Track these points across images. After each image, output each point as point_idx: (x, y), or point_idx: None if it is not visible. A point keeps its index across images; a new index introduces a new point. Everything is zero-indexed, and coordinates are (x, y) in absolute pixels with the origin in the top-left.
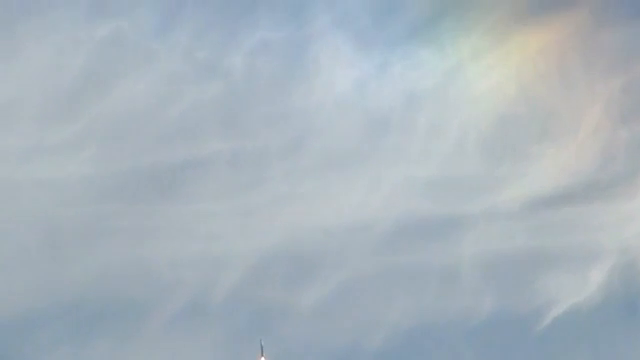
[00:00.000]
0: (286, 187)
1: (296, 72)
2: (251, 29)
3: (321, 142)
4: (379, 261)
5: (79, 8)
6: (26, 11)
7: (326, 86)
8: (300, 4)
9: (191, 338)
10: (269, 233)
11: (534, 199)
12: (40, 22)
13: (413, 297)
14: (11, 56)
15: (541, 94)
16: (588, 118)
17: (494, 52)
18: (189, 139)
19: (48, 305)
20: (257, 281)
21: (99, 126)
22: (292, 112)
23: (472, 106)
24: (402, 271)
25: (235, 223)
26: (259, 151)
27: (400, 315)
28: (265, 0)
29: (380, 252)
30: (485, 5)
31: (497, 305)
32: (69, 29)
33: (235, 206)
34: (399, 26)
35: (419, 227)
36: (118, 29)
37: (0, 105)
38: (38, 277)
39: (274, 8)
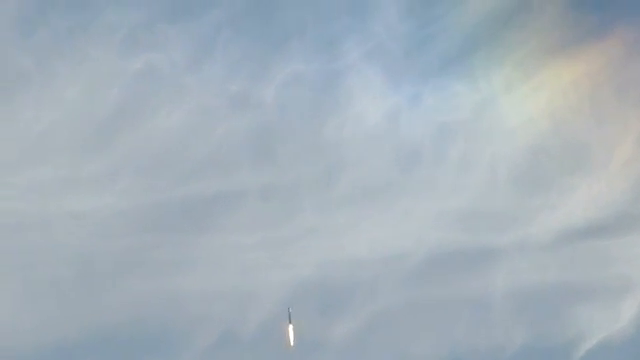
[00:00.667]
0: (318, 219)
1: (328, 104)
2: (283, 62)
3: (353, 174)
4: (411, 293)
5: (114, 42)
6: (62, 44)
7: (358, 118)
8: (332, 37)
9: None
10: (301, 265)
11: (566, 231)
12: (76, 55)
13: (445, 329)
14: (47, 88)
15: (573, 126)
16: (620, 151)
17: (526, 85)
18: (222, 171)
19: (82, 336)
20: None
21: (133, 159)
22: (324, 144)
23: (504, 138)
24: (434, 303)
25: (267, 255)
26: (291, 183)
27: (432, 347)
28: (297, 33)
29: (412, 284)
30: (517, 38)
31: (529, 338)
32: (104, 62)
33: (267, 238)
34: (431, 58)
35: (451, 259)
36: (151, 63)
37: (36, 137)
38: (72, 308)
39: (306, 41)
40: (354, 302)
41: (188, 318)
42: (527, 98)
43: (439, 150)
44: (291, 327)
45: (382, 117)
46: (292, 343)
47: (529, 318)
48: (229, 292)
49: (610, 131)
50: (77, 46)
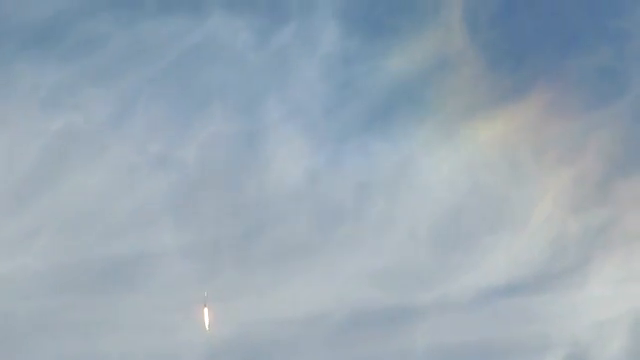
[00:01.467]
0: (239, 278)
1: (249, 165)
2: (204, 122)
3: (274, 234)
4: (332, 353)
5: (34, 102)
6: None
7: (278, 178)
8: (252, 97)
9: None
10: (223, 324)
11: (486, 290)
12: None
13: None
14: None
15: (492, 186)
16: (539, 209)
17: (445, 144)
18: (142, 231)
19: None
20: None
21: (52, 219)
22: (245, 204)
23: (424, 197)
24: None
25: (188, 315)
26: (213, 242)
27: None
28: (218, 94)
29: (333, 343)
30: (436, 98)
31: None
32: (23, 122)
33: (189, 298)
34: (350, 118)
35: (372, 318)
36: (71, 122)
37: None
38: None
39: (226, 101)
40: None
41: None
42: (447, 157)
43: (359, 209)
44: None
45: (302, 176)
46: None
47: None
48: (149, 354)
49: (529, 190)
50: None
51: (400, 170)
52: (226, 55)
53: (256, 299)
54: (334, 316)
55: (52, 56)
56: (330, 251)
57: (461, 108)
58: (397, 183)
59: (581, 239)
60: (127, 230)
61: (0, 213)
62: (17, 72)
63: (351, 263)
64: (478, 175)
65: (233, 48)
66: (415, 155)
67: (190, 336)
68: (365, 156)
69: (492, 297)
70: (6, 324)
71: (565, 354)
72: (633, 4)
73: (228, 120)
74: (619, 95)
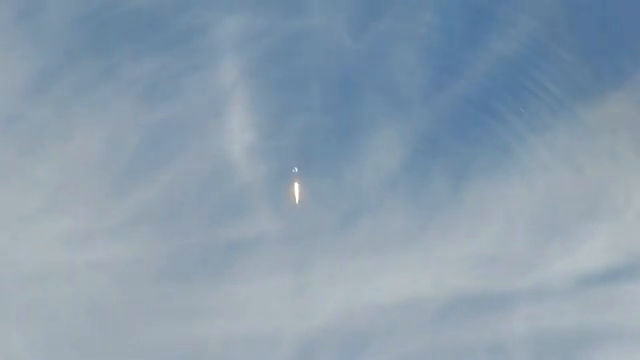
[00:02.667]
0: (336, 266)
1: (345, 152)
2: (301, 111)
3: (371, 221)
4: (430, 339)
5: (134, 92)
6: (83, 95)
7: (374, 165)
8: (349, 87)
9: None
10: (319, 312)
11: (584, 276)
12: (94, 102)
13: None
14: (64, 136)
15: (591, 172)
16: (638, 195)
17: (545, 130)
18: (240, 219)
19: None
20: None
21: (152, 207)
22: (342, 191)
23: (521, 183)
24: (453, 349)
25: (285, 302)
26: (310, 229)
27: None
28: (316, 83)
29: (431, 330)
30: (539, 86)
31: None
32: (123, 112)
33: (285, 285)
34: (447, 105)
35: (469, 304)
36: (171, 112)
37: (52, 187)
38: (93, 359)
39: (325, 90)
40: (373, 348)
41: None
42: (545, 144)
43: (456, 196)
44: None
45: (398, 164)
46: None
47: None
48: (249, 340)
49: (628, 177)
50: (98, 97)
51: (498, 156)
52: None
53: (353, 286)
54: (431, 303)
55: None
56: (427, 238)
57: (561, 94)
58: (494, 169)
59: None
60: (225, 218)
61: (102, 201)
62: (117, 62)
63: (447, 250)
64: (576, 161)
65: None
66: (513, 142)
67: (287, 323)
68: (462, 142)
69: (590, 284)
70: (107, 311)
71: None
72: None
73: (325, 109)
74: None
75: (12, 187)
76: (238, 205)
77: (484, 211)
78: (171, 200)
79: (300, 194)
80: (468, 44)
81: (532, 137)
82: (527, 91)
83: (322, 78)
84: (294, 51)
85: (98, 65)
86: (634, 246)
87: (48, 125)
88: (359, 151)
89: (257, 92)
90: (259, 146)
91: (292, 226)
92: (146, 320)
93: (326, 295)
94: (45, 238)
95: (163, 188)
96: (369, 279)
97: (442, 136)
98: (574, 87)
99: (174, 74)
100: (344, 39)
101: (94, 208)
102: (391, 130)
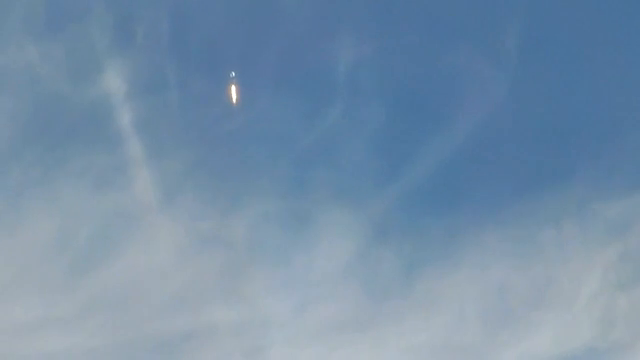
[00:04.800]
0: (289, 354)
1: (297, 242)
2: (253, 199)
3: (322, 309)
4: None
5: (86, 180)
6: (32, 182)
7: (327, 255)
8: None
9: None
10: None
11: None
12: (46, 193)
13: None
14: (16, 227)
15: (538, 262)
16: (586, 285)
17: (490, 220)
18: (192, 308)
19: None
20: None
21: (104, 296)
22: (293, 281)
23: (470, 273)
24: None
25: None
26: (262, 319)
27: None
28: (267, 171)
29: None
30: (484, 179)
31: None
32: (75, 201)
33: None
34: (399, 190)
35: None
36: (121, 201)
37: (6, 277)
38: None
39: (276, 179)
40: None
41: None
42: (492, 234)
43: (406, 285)
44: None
45: (352, 253)
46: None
47: None
48: None
49: (575, 266)
50: (47, 184)
51: (448, 246)
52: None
53: None
54: None
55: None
56: (378, 327)
57: (506, 186)
58: (445, 259)
59: (629, 316)
60: (178, 307)
61: (53, 291)
62: (70, 153)
63: (399, 338)
64: (523, 252)
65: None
66: (460, 233)
67: None
68: (412, 233)
69: None
70: None
71: None
72: None
73: (278, 198)
74: None
75: None
76: (191, 295)
77: (435, 300)
78: (124, 289)
79: (254, 283)
80: (416, 138)
81: (480, 228)
82: (472, 184)
83: (274, 167)
84: (246, 141)
85: (51, 155)
86: (582, 335)
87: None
88: (311, 240)
89: (209, 180)
90: (211, 235)
91: (246, 315)
92: None
93: None
94: None
95: (115, 278)
96: None
97: (393, 226)
98: (519, 180)
99: (122, 166)
100: (296, 130)
101: (46, 298)
102: (342, 220)
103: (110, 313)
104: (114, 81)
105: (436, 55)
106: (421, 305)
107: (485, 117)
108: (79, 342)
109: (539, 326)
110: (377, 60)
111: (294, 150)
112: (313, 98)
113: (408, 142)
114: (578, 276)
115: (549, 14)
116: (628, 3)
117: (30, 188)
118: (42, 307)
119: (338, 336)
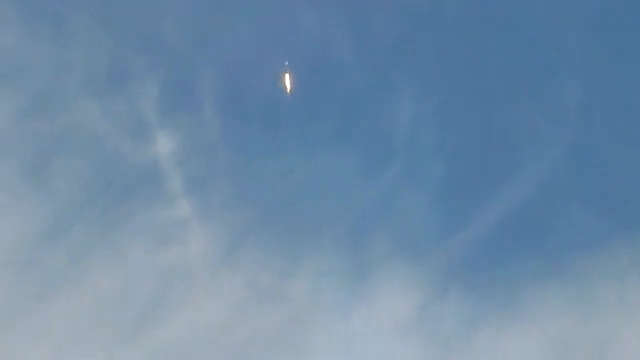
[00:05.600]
0: None
1: (357, 296)
2: (313, 254)
3: None
4: None
5: (147, 238)
6: (97, 240)
7: (387, 310)
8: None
9: None
10: None
11: None
12: (110, 249)
13: None
14: (79, 283)
15: (601, 319)
16: None
17: (549, 278)
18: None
19: None
20: None
21: (166, 351)
22: (354, 336)
23: (532, 330)
24: None
25: None
26: None
27: None
28: (326, 226)
29: None
30: (545, 234)
31: None
32: (137, 257)
33: None
34: (458, 251)
35: None
36: (183, 257)
37: (71, 331)
38: None
39: (335, 234)
40: None
41: None
42: (554, 289)
43: (466, 342)
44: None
45: (411, 309)
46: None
47: None
48: None
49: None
50: (112, 242)
51: (506, 302)
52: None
53: None
54: None
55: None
56: None
57: (565, 241)
58: (504, 316)
59: None
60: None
61: (117, 346)
62: (132, 209)
63: None
64: (586, 308)
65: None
66: (521, 287)
67: None
68: (473, 289)
69: None
70: None
71: None
72: None
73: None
74: None
75: (25, 334)
76: (252, 350)
77: (495, 356)
78: (185, 344)
79: (314, 338)
80: (475, 195)
81: (541, 283)
82: (532, 240)
83: (334, 224)
84: (306, 197)
85: (112, 213)
86: None
87: (63, 270)
88: (371, 296)
89: (269, 236)
90: (272, 290)
91: None
92: None
93: None
94: None
95: (177, 332)
96: None
97: (452, 281)
98: (580, 235)
99: (183, 223)
100: (356, 186)
101: (109, 352)
102: (402, 275)
103: None
104: (173, 139)
105: (496, 112)
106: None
107: (545, 174)
108: None
109: None
110: (437, 116)
111: (354, 206)
112: (373, 154)
113: (467, 198)
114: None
115: (608, 74)
116: None
117: (93, 245)
118: None
119: None
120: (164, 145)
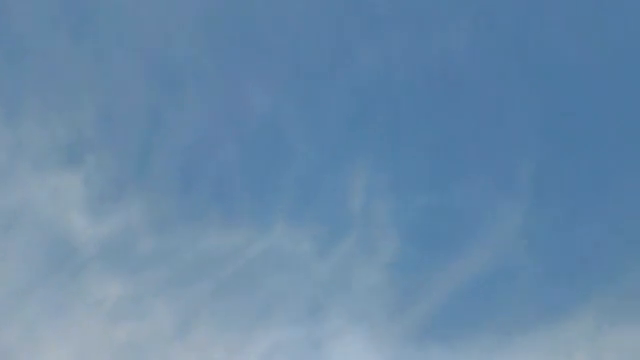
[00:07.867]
0: None
1: None
2: (268, 329)
3: None
4: None
5: (101, 312)
6: (51, 314)
7: None
8: (315, 304)
9: None
10: None
11: None
12: (61, 322)
13: None
14: (31, 356)
15: None
16: None
17: (501, 351)
18: None
19: None
20: None
21: None
22: None
23: None
24: None
25: None
26: None
27: None
28: (281, 301)
29: None
30: (493, 308)
31: None
32: (91, 332)
33: None
34: (413, 322)
35: None
36: (137, 332)
37: None
38: None
39: (288, 308)
40: None
41: None
42: None
43: None
44: None
45: None
46: None
47: None
48: None
49: None
50: (62, 314)
51: None
52: (289, 264)
53: None
54: None
55: (119, 269)
56: None
57: (519, 316)
58: None
59: None
60: None
61: None
62: (85, 284)
63: None
64: None
65: (296, 257)
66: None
67: None
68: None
69: None
70: None
71: None
72: None
73: (291, 327)
74: None
75: None
76: None
77: None
78: None
79: None
80: (429, 268)
81: (494, 356)
82: (485, 315)
83: (289, 296)
84: (261, 270)
85: (66, 288)
86: None
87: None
88: None
89: (223, 310)
90: None
91: None
92: None
93: None
94: None
95: None
96: None
97: (408, 354)
98: (531, 313)
99: (139, 296)
100: (309, 259)
101: None
102: (358, 348)
103: None
104: (131, 212)
105: (450, 186)
106: None
107: (499, 247)
108: None
109: None
110: (391, 191)
111: (309, 280)
112: (328, 228)
113: (422, 271)
114: None
115: (562, 150)
116: None
117: (46, 320)
118: None
119: None
120: (122, 218)
